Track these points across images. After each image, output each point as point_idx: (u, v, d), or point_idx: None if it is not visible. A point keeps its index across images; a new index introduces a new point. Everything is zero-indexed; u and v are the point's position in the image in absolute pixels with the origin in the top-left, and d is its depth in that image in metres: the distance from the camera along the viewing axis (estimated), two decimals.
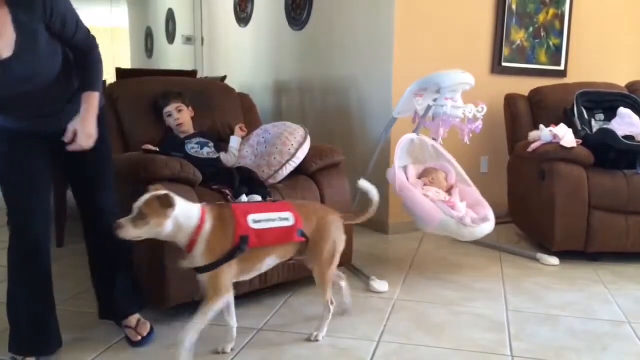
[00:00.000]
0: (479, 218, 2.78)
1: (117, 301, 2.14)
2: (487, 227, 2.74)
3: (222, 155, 2.77)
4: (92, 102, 1.85)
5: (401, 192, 2.81)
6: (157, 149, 2.56)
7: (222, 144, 2.87)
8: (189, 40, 6.59)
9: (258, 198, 2.36)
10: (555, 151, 3.11)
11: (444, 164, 3.05)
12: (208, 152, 2.70)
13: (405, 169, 3.01)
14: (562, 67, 4.25)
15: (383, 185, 3.79)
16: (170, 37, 7.39)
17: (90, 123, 1.83)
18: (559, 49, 4.22)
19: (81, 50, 1.84)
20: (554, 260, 3.12)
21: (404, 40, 3.63)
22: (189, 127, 2.77)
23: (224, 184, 2.40)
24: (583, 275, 2.95)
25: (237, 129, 2.94)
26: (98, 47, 1.89)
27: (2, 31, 1.60)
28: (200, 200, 2.25)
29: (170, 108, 2.75)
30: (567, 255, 3.15)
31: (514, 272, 2.98)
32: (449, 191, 2.97)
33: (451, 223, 2.67)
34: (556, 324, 2.33)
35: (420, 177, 3.03)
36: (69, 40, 1.78)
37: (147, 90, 2.84)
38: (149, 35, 8.24)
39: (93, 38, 1.86)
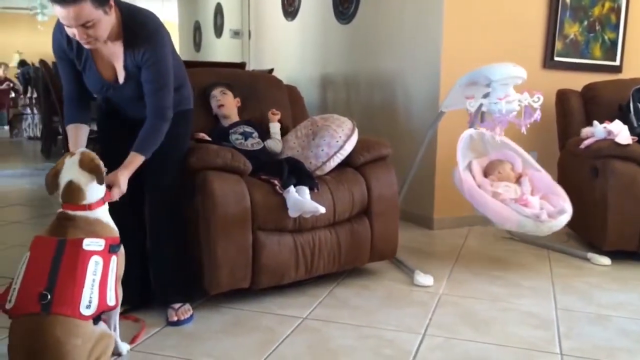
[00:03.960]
0: (555, 211, 2.75)
1: (159, 286, 2.27)
2: (564, 218, 2.72)
3: (267, 142, 2.79)
4: (133, 162, 1.99)
5: (471, 198, 2.81)
6: (210, 138, 2.61)
7: (268, 134, 2.90)
8: (236, 34, 6.67)
9: (306, 189, 2.38)
10: (609, 148, 3.02)
11: (507, 153, 3.02)
12: (252, 142, 2.72)
13: (469, 165, 2.98)
14: (617, 62, 4.12)
15: (429, 179, 3.76)
16: (218, 31, 7.50)
17: (118, 177, 1.92)
18: (614, 43, 4.09)
19: (148, 110, 2.05)
20: (606, 260, 3.04)
21: (453, 33, 3.58)
22: (230, 112, 2.80)
23: (272, 174, 2.43)
24: (636, 275, 2.86)
25: (269, 115, 2.93)
26: (164, 120, 2.06)
27: (118, 64, 2.03)
28: (249, 189, 2.30)
29: (215, 92, 2.81)
30: (620, 255, 3.06)
31: (564, 271, 2.91)
32: (517, 180, 2.93)
33: (528, 223, 2.66)
34: (607, 324, 2.27)
35: (485, 172, 3.00)
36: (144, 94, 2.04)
37: (197, 81, 2.88)
38: (197, 29, 8.38)
39: (164, 112, 2.05)
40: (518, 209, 2.69)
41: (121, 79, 2.06)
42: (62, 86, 2.15)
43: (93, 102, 2.31)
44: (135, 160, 2.00)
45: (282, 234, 2.39)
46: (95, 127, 2.34)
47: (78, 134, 2.08)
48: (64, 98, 2.13)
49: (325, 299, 2.47)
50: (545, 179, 2.93)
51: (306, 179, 2.44)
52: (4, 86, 10.79)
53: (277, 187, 2.36)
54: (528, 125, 2.83)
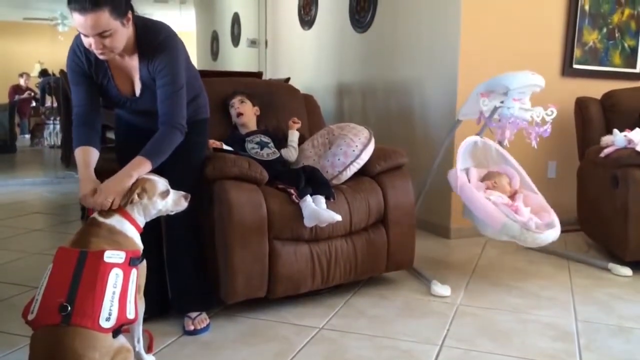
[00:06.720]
0: (543, 224, 2.67)
1: (176, 295, 2.28)
2: (552, 233, 2.61)
3: (283, 151, 2.80)
4: (136, 167, 1.85)
5: (462, 192, 2.76)
6: (224, 146, 2.61)
7: (284, 143, 2.90)
8: (253, 43, 6.71)
9: (322, 199, 2.38)
10: (629, 156, 2.98)
11: (507, 169, 2.96)
12: (268, 152, 2.72)
13: (467, 171, 2.94)
14: (637, 70, 4.07)
15: (446, 188, 3.73)
16: (235, 40, 7.56)
17: (114, 181, 1.79)
18: (634, 50, 4.04)
19: (160, 117, 2.01)
20: (627, 271, 2.98)
21: (471, 41, 3.57)
22: (249, 120, 2.83)
23: (289, 183, 2.43)
24: None
25: (290, 123, 2.95)
26: (177, 129, 2.01)
27: (135, 77, 2.04)
28: (265, 198, 2.30)
29: (234, 100, 2.85)
30: None
31: (584, 282, 2.87)
32: (512, 197, 2.88)
33: (514, 227, 2.56)
34: (630, 336, 2.22)
35: (482, 180, 2.96)
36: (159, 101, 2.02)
37: (215, 91, 2.91)
38: (214, 39, 8.45)
39: (177, 120, 2.00)
40: (507, 212, 2.62)
41: (138, 92, 2.07)
42: None
43: (111, 112, 2.32)
44: (139, 166, 1.86)
45: (298, 243, 2.39)
46: (112, 136, 2.35)
47: (88, 160, 1.95)
48: (73, 119, 2.04)
49: (341, 309, 2.46)
50: (540, 200, 2.83)
51: (323, 188, 2.43)
52: (26, 95, 10.97)
53: (294, 197, 2.36)
54: (538, 139, 2.79)
